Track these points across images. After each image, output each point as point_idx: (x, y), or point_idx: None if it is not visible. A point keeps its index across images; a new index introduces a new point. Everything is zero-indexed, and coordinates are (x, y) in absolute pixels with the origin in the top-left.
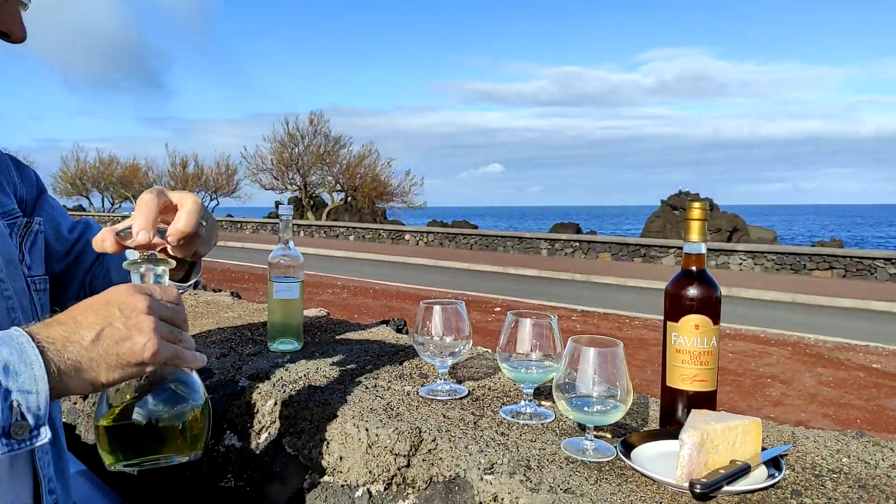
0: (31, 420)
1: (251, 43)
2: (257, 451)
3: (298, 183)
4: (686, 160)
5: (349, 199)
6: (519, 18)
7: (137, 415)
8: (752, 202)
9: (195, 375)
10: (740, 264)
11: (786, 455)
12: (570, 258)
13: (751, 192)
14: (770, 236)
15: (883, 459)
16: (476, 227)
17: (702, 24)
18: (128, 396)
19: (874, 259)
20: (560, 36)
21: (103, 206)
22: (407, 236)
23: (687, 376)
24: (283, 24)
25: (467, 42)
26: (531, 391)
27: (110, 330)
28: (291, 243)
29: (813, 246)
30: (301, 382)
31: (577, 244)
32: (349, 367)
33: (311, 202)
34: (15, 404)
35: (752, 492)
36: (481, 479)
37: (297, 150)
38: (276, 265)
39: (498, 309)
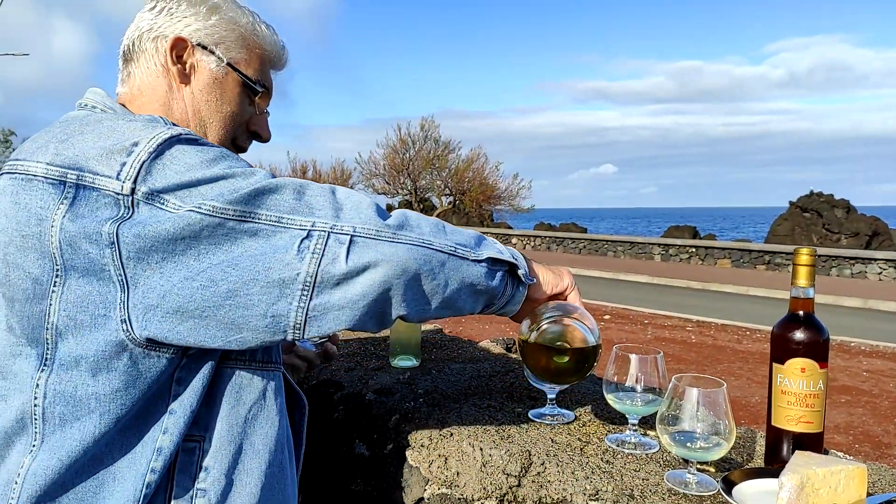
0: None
1: (366, 49)
2: (383, 461)
3: (409, 187)
4: (819, 157)
5: (457, 202)
6: (631, 13)
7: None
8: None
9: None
10: (880, 273)
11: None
12: (685, 264)
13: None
14: None
15: None
16: (585, 231)
17: (841, 9)
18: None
19: None
20: (677, 29)
21: None
22: (514, 240)
23: (792, 417)
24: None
25: (576, 40)
26: (636, 421)
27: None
28: None
29: None
30: (421, 400)
31: (694, 250)
32: (463, 386)
33: (421, 206)
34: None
35: None
36: (587, 503)
37: (408, 155)
38: None
39: (607, 316)
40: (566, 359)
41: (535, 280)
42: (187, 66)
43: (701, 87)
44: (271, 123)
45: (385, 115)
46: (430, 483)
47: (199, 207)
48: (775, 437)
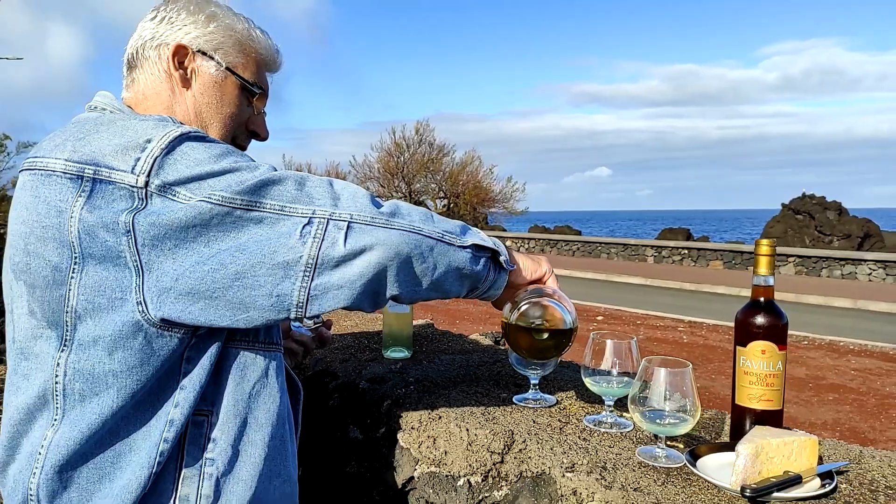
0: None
1: (363, 52)
2: (376, 444)
3: (404, 190)
4: (813, 160)
5: (451, 205)
6: (629, 17)
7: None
8: (891, 205)
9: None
10: (869, 274)
11: (846, 471)
12: (678, 266)
13: (889, 194)
14: None
15: None
16: (579, 233)
17: (834, 14)
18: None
19: None
20: (673, 33)
21: None
22: (508, 242)
23: (754, 396)
24: (392, 32)
25: (574, 43)
26: (612, 403)
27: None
28: None
29: None
30: (412, 387)
31: (686, 251)
32: (452, 374)
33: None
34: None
35: (802, 500)
36: (563, 475)
37: (402, 158)
38: None
39: (600, 318)
40: (545, 336)
41: (515, 266)
42: (188, 71)
43: (696, 91)
44: (268, 124)
45: (382, 119)
46: (419, 463)
47: (209, 198)
48: (739, 415)
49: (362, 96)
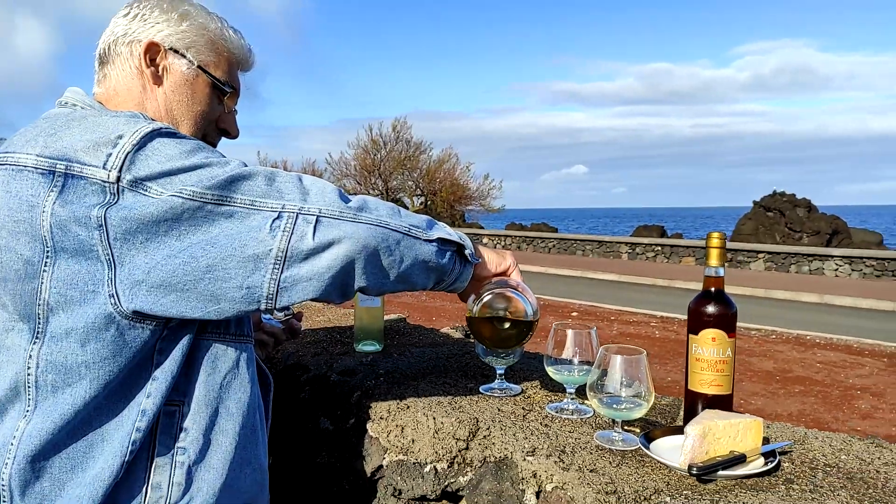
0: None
1: (340, 49)
2: (346, 434)
3: (380, 188)
4: (785, 158)
5: (428, 202)
6: (604, 16)
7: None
8: (858, 202)
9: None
10: (836, 270)
11: (790, 451)
12: (651, 262)
13: (858, 191)
14: (875, 239)
15: (879, 458)
16: (555, 230)
17: (804, 14)
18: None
19: None
20: (647, 32)
21: None
22: (485, 240)
23: (705, 381)
24: (369, 29)
25: (550, 42)
26: (573, 391)
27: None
28: None
29: None
30: (382, 379)
31: (660, 248)
32: (422, 366)
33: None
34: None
35: (746, 477)
36: (524, 459)
37: (379, 155)
38: None
39: (575, 314)
40: (507, 326)
41: (480, 260)
42: (160, 68)
43: (670, 89)
44: (239, 122)
45: (358, 116)
46: (388, 451)
47: (181, 193)
48: (691, 400)
49: (339, 93)
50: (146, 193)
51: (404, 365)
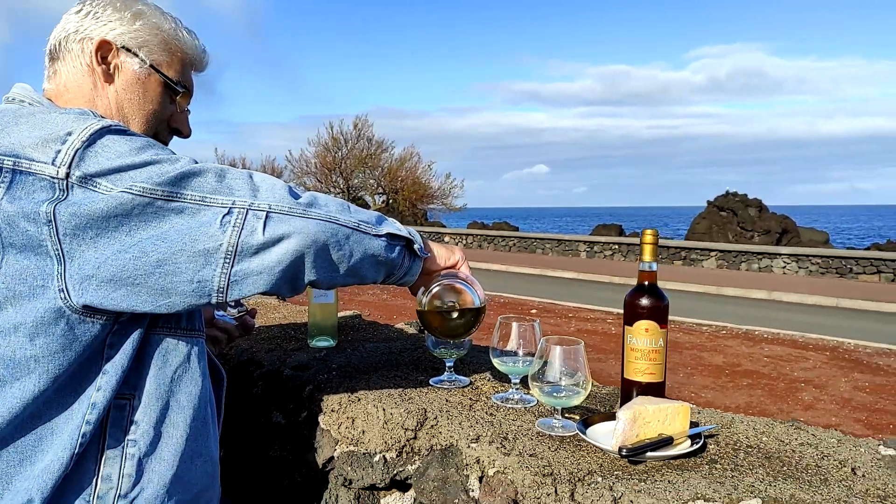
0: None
1: (300, 46)
2: (298, 427)
3: (342, 186)
4: (738, 160)
5: (390, 201)
6: (565, 17)
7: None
8: (807, 203)
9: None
10: (784, 267)
11: (715, 435)
12: (609, 260)
13: (807, 192)
14: (822, 238)
15: (796, 439)
16: (517, 229)
17: (757, 19)
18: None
19: None
20: (607, 34)
21: None
22: (446, 238)
23: (639, 370)
24: (331, 26)
25: (512, 42)
26: (518, 381)
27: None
28: None
29: (867, 249)
30: (334, 373)
31: (617, 246)
32: (374, 361)
33: (354, 204)
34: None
35: (673, 458)
36: (468, 446)
37: (340, 153)
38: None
39: (534, 311)
40: (455, 315)
41: (430, 254)
42: (111, 66)
43: (628, 91)
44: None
45: (320, 113)
46: (339, 443)
47: (130, 189)
48: (626, 388)
49: (299, 90)
50: (95, 189)
51: (357, 359)
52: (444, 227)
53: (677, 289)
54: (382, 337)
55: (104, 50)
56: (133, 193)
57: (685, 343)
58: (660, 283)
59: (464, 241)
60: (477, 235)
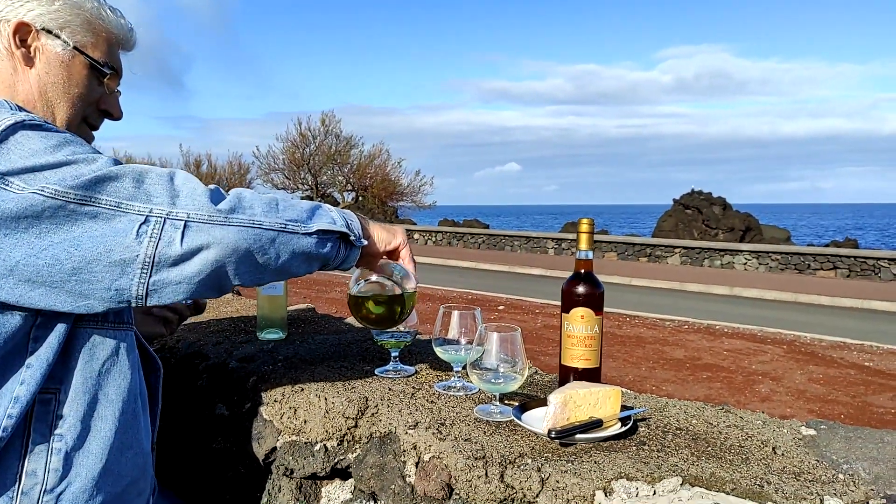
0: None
1: (269, 41)
2: (241, 419)
3: (310, 182)
4: (704, 159)
5: (360, 198)
6: (535, 16)
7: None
8: (770, 201)
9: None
10: (745, 264)
11: (648, 418)
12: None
13: (769, 191)
14: (783, 236)
15: (724, 421)
16: (487, 227)
17: (723, 21)
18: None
19: (878, 259)
20: (577, 34)
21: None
22: (416, 235)
23: (575, 356)
24: (300, 22)
25: (483, 39)
26: (460, 369)
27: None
28: None
29: (826, 246)
30: (279, 364)
31: None
32: (322, 352)
33: (322, 201)
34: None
35: (603, 440)
36: (406, 433)
37: (308, 150)
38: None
39: (501, 307)
40: (381, 308)
41: (367, 241)
42: (32, 49)
43: (598, 90)
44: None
45: (288, 109)
46: (281, 433)
47: (42, 190)
48: (564, 374)
49: (268, 85)
50: (7, 188)
51: (304, 351)
52: (414, 224)
53: (642, 285)
54: (333, 329)
55: (22, 32)
56: (45, 195)
57: (648, 338)
58: (626, 280)
59: (433, 239)
60: (447, 233)
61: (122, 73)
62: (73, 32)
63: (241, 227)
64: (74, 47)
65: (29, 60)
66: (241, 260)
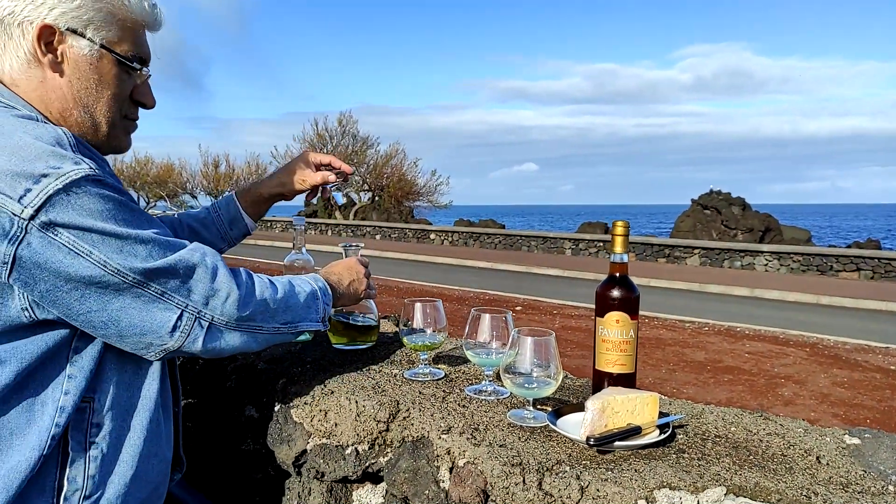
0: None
1: (286, 42)
2: (271, 421)
3: None
4: (722, 158)
5: (376, 198)
6: (553, 15)
7: (353, 321)
8: (789, 201)
9: (373, 304)
10: (766, 265)
11: (685, 425)
12: (594, 258)
13: (789, 190)
14: (804, 236)
15: (764, 429)
16: (503, 227)
17: (743, 19)
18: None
19: None
20: (595, 33)
21: (138, 204)
22: (432, 235)
23: (610, 361)
24: (317, 22)
25: (500, 39)
26: (491, 373)
27: (354, 281)
28: (304, 249)
29: (848, 247)
30: (308, 366)
31: (602, 244)
32: (349, 354)
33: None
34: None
35: (641, 447)
36: (439, 437)
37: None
38: (290, 267)
39: (519, 308)
40: (344, 339)
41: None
42: (58, 54)
43: (615, 89)
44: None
45: (306, 109)
46: (312, 436)
47: (105, 265)
48: (598, 379)
49: (285, 86)
50: (56, 238)
51: (332, 353)
52: (430, 224)
53: (661, 286)
54: None
55: (47, 36)
56: (107, 270)
57: (668, 339)
58: (645, 281)
59: (449, 239)
60: (463, 233)
61: (151, 57)
62: (98, 28)
63: (248, 332)
64: (101, 45)
65: (57, 67)
66: (238, 350)
